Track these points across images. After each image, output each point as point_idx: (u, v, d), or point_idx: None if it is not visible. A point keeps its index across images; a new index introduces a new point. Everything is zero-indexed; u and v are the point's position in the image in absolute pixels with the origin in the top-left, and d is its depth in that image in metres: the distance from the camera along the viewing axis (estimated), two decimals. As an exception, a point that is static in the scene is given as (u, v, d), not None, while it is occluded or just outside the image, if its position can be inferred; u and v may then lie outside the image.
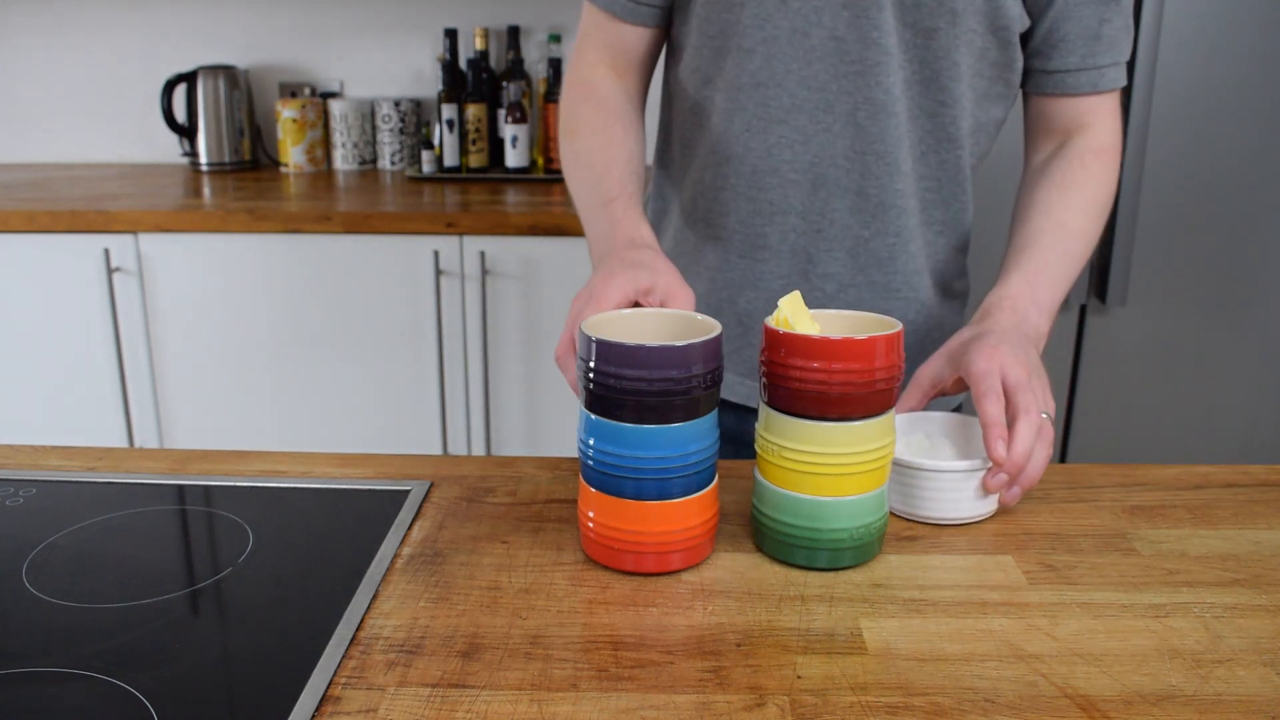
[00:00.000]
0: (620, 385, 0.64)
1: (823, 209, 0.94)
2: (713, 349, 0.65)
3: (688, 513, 0.67)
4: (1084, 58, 0.92)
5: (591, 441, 0.67)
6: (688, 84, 0.97)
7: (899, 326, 0.68)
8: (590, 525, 0.69)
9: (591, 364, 0.65)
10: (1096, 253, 1.84)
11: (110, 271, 2.00)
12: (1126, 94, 1.75)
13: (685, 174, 1.01)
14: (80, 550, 0.71)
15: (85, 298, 2.02)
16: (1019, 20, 0.89)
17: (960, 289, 1.05)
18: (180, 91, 2.39)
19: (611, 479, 0.66)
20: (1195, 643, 0.61)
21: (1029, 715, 0.54)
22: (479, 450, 2.11)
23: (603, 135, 0.95)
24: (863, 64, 0.89)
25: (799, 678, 0.57)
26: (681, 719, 0.54)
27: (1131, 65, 1.74)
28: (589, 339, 0.65)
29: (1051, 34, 0.91)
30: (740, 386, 1.01)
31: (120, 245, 1.99)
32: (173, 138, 2.49)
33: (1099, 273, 1.86)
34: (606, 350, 0.64)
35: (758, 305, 0.98)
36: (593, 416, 0.67)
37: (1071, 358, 1.94)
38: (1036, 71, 0.95)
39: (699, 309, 0.96)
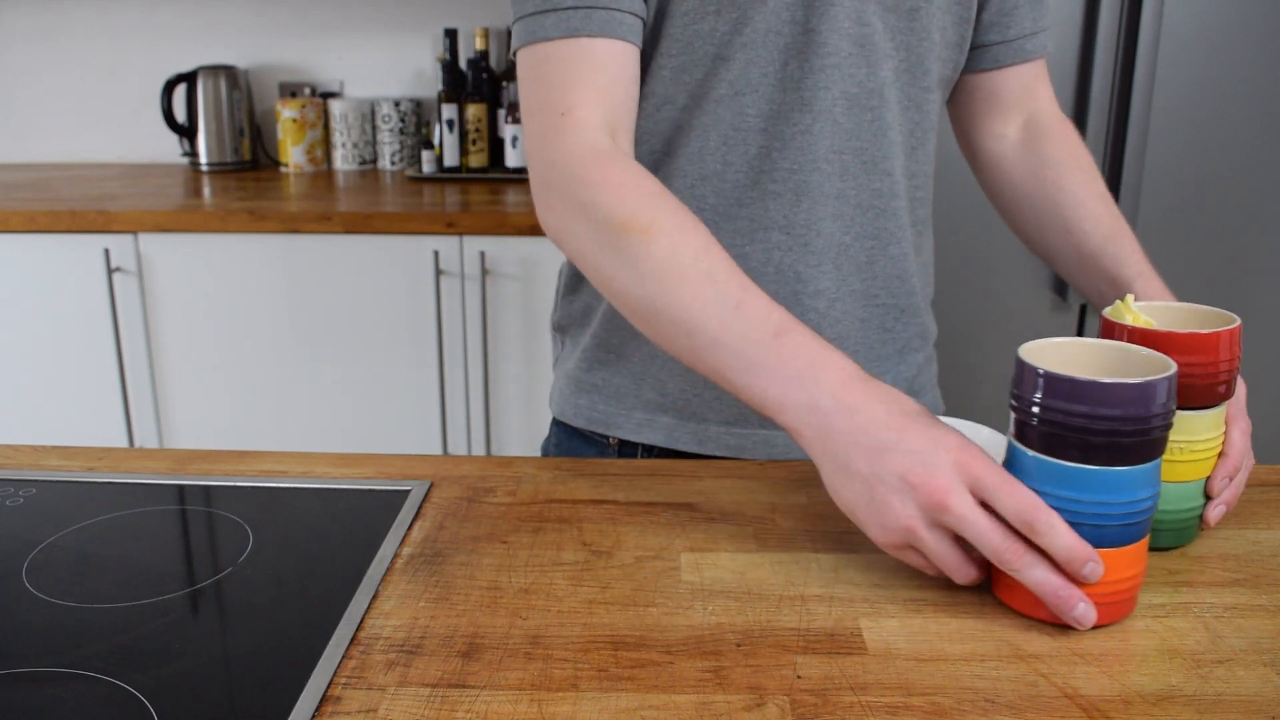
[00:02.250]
0: (1069, 422, 0.59)
1: (808, 220, 0.87)
2: (1173, 387, 0.60)
3: (1119, 565, 0.61)
4: (1034, 21, 0.94)
5: (1028, 482, 0.61)
6: (638, 111, 0.87)
7: (1237, 321, 0.70)
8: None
9: (1037, 398, 0.60)
10: (1096, 253, 1.85)
11: (110, 271, 2.00)
12: (1125, 94, 1.76)
13: None
14: (80, 550, 0.71)
15: (85, 298, 2.02)
16: None
17: (931, 294, 1.02)
18: (180, 91, 2.39)
19: None
20: (1195, 643, 0.61)
21: (1029, 715, 0.54)
22: (479, 450, 2.11)
23: (695, 235, 0.72)
24: (839, 55, 0.84)
25: (799, 678, 0.57)
26: (681, 719, 0.54)
27: (1131, 65, 1.74)
28: (1036, 371, 0.60)
29: (1004, 2, 0.94)
30: (729, 437, 0.93)
31: (120, 245, 1.99)
32: (173, 138, 2.49)
33: (1099, 273, 1.86)
34: (1055, 384, 0.59)
35: None
36: (1029, 454, 0.61)
37: (1071, 358, 1.94)
38: (994, 44, 0.94)
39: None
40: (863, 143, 0.87)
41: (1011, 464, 0.63)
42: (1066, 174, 0.94)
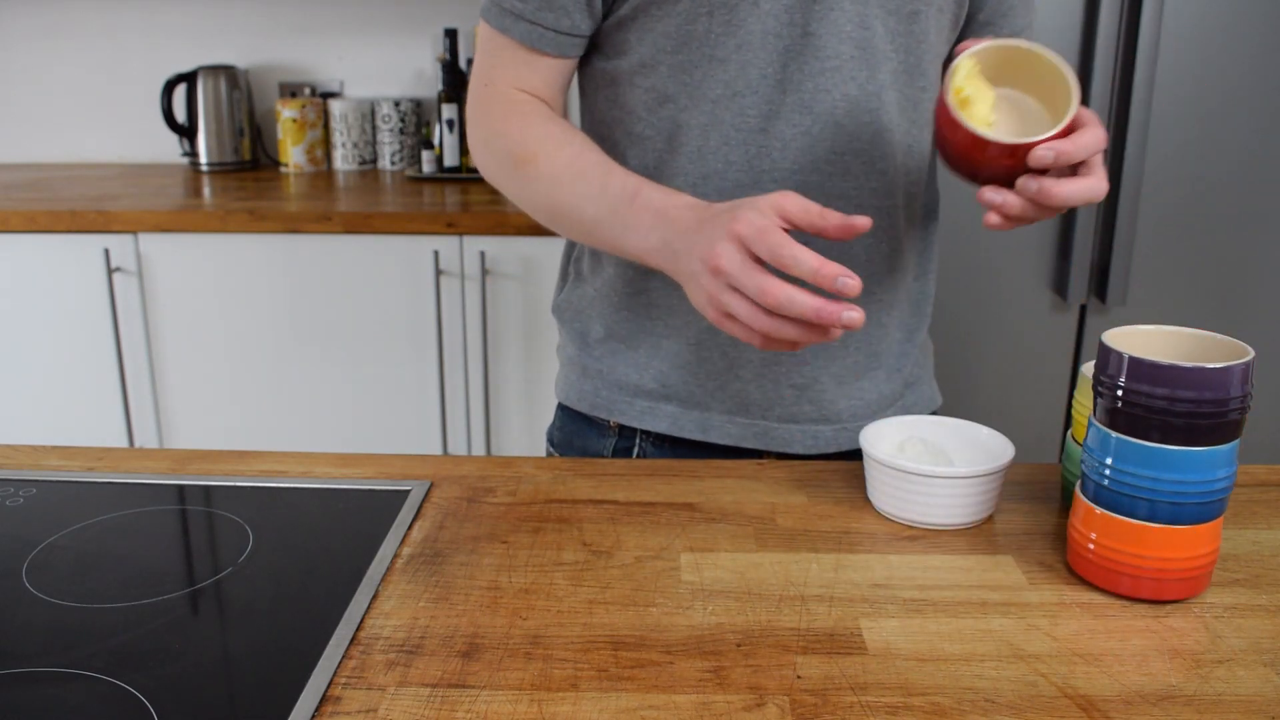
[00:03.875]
0: (1150, 404, 0.62)
1: None
2: (1250, 372, 0.63)
3: (1195, 541, 0.64)
4: (1022, 16, 0.96)
5: (1109, 461, 0.65)
6: (637, 108, 0.90)
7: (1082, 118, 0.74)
8: (1090, 546, 0.67)
9: (1121, 381, 0.63)
10: (1097, 252, 1.84)
11: (110, 271, 2.00)
12: (1125, 94, 1.76)
13: None
14: (80, 550, 0.71)
15: (85, 298, 2.02)
16: None
17: (932, 290, 1.02)
18: (180, 91, 2.39)
19: (1125, 499, 0.65)
20: (1195, 643, 0.61)
21: (1029, 715, 0.54)
22: (479, 450, 2.11)
23: (567, 148, 0.85)
24: (839, 58, 0.85)
25: (799, 678, 0.57)
26: (681, 719, 0.54)
27: (1131, 65, 1.74)
28: (1120, 355, 0.63)
29: (1002, 3, 0.94)
30: (731, 426, 0.94)
31: (120, 245, 1.99)
32: (173, 138, 2.49)
33: (1099, 272, 1.86)
34: (1139, 368, 0.62)
35: None
36: (1112, 434, 0.65)
37: (1071, 357, 1.94)
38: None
39: (678, 341, 0.93)
40: (863, 144, 0.87)
41: (1095, 443, 0.66)
42: None
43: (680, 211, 0.76)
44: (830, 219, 0.70)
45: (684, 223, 0.75)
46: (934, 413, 1.03)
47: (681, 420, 0.95)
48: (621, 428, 0.97)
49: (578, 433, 1.01)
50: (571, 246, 1.02)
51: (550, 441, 1.06)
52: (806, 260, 0.67)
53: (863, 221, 0.69)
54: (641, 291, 0.94)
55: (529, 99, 0.90)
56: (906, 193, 0.93)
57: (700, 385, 0.94)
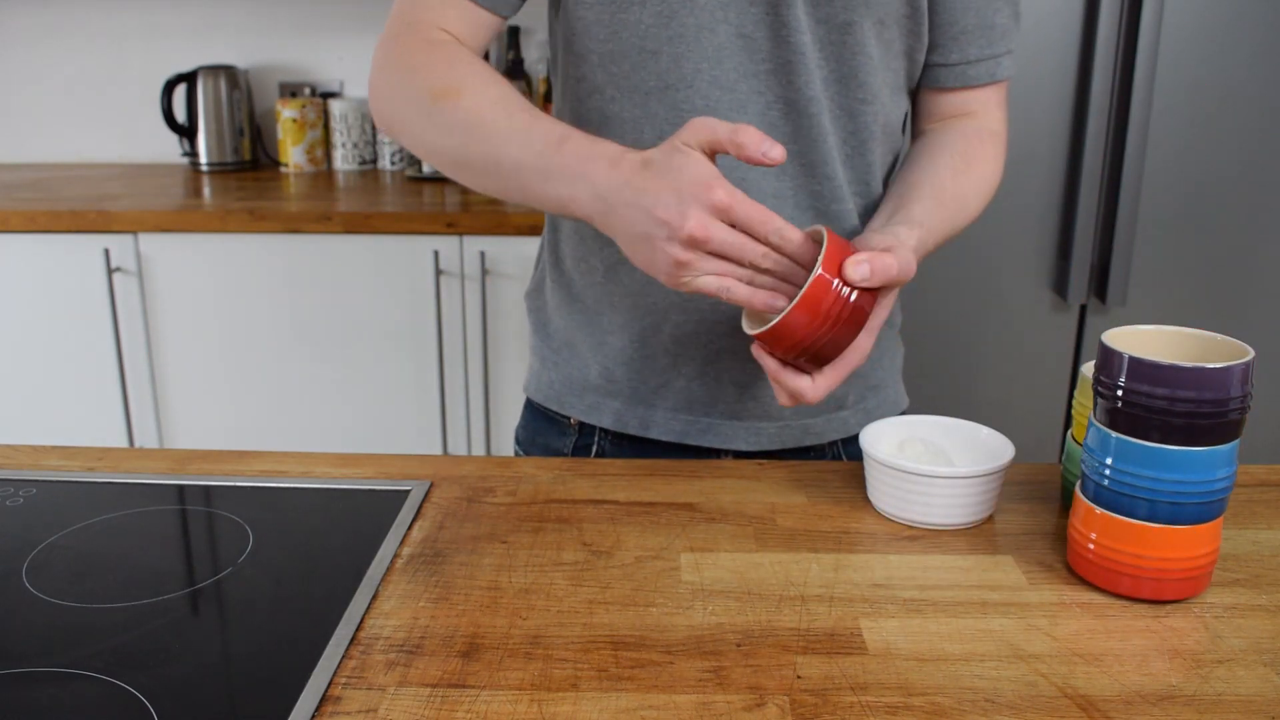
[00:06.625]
0: (1151, 405, 0.62)
1: None
2: (1250, 372, 0.63)
3: (1195, 541, 0.64)
4: (982, 48, 0.92)
5: (1110, 461, 0.65)
6: (571, 97, 0.90)
7: None
8: (1090, 546, 0.67)
9: (1121, 381, 0.63)
10: (1097, 252, 1.84)
11: (110, 271, 2.00)
12: (1125, 94, 1.76)
13: None
14: (80, 550, 0.71)
15: (85, 298, 2.02)
16: (924, 7, 0.88)
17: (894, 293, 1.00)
18: (180, 91, 2.39)
19: (1125, 499, 0.65)
20: (1195, 643, 0.61)
21: (1029, 715, 0.54)
22: (479, 450, 2.11)
23: (494, 88, 0.81)
24: (774, 62, 0.85)
25: (799, 678, 0.57)
26: (681, 719, 0.54)
27: (1131, 65, 1.74)
28: (1121, 356, 0.63)
29: (951, 26, 0.91)
30: (674, 422, 0.94)
31: (120, 245, 1.99)
32: (173, 138, 2.49)
33: (1099, 273, 1.86)
34: (1139, 368, 0.62)
35: (687, 330, 0.91)
36: (1112, 435, 0.65)
37: (1071, 357, 1.94)
38: (936, 66, 0.93)
39: (623, 338, 0.93)
40: (801, 147, 0.87)
41: (1095, 443, 0.67)
42: (944, 155, 0.91)
43: (612, 162, 0.73)
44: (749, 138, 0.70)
45: (619, 177, 0.72)
46: (903, 413, 1.02)
47: (625, 416, 0.95)
48: (581, 425, 0.98)
49: (540, 430, 1.02)
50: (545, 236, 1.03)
51: (516, 440, 1.06)
52: (792, 235, 0.70)
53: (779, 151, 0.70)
54: (590, 286, 0.94)
55: (453, 40, 0.85)
56: (856, 198, 0.92)
57: (644, 382, 0.94)
